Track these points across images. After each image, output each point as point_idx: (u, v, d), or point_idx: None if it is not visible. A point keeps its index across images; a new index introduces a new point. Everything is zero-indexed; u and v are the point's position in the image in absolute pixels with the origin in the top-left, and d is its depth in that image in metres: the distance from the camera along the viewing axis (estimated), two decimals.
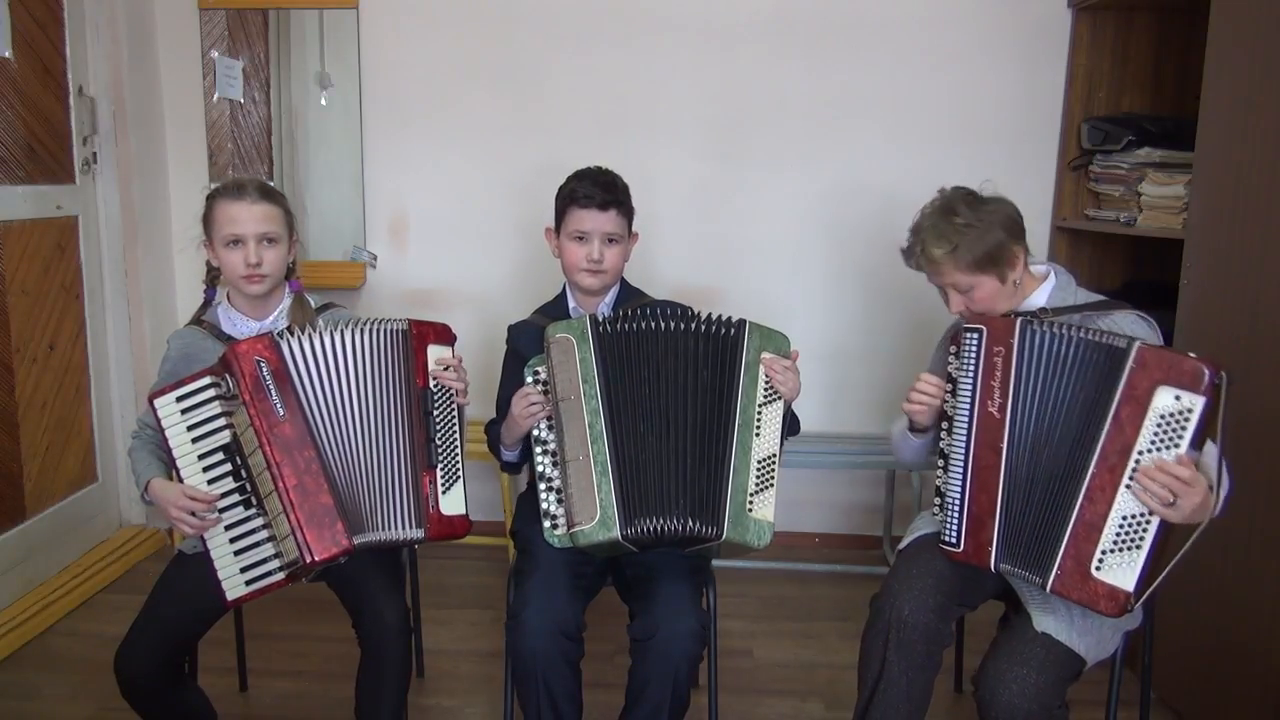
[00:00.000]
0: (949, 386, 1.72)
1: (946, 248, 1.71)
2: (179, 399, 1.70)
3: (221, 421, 1.70)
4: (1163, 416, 1.48)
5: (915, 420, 1.81)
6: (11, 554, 2.63)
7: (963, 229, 1.70)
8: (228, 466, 1.70)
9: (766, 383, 1.76)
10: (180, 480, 1.70)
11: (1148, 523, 1.50)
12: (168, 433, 1.70)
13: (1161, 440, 1.48)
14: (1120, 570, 1.51)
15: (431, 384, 1.76)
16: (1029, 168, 3.00)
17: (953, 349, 1.72)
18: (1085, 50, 2.90)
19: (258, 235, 1.81)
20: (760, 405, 1.74)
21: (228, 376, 1.68)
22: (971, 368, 1.67)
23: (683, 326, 1.76)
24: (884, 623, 1.69)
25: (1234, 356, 2.03)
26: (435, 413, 1.75)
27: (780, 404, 1.77)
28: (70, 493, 2.89)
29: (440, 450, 1.74)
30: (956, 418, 1.69)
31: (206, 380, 1.70)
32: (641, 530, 1.68)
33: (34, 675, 2.40)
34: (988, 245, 1.70)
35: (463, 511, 1.76)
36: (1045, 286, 1.79)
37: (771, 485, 1.73)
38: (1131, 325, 1.70)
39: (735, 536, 1.69)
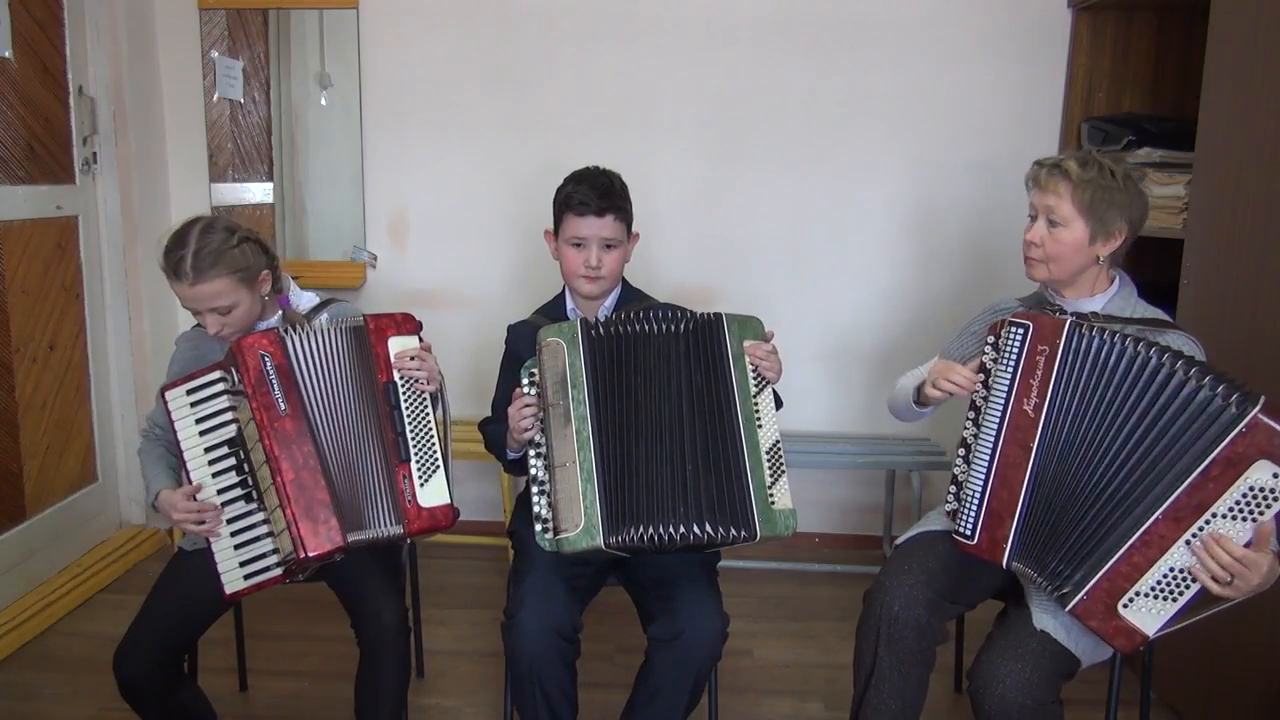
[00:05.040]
0: (981, 377, 1.70)
1: (1084, 173, 1.70)
2: (189, 392, 1.72)
3: (229, 415, 1.71)
4: (1252, 488, 1.42)
5: (932, 401, 1.80)
6: (11, 554, 2.63)
7: (1107, 173, 1.70)
8: (232, 460, 1.71)
9: (754, 371, 1.74)
10: (187, 473, 1.71)
11: (1193, 580, 1.47)
12: (177, 425, 1.71)
13: (1241, 510, 1.43)
14: (1147, 615, 1.49)
15: (396, 376, 1.75)
16: (1029, 167, 3.00)
17: (991, 339, 1.70)
18: (1085, 50, 2.90)
19: (211, 309, 1.77)
20: (754, 396, 1.72)
21: (233, 370, 1.69)
22: (1011, 363, 1.64)
23: (670, 329, 1.73)
24: (875, 619, 1.69)
25: (1234, 356, 2.03)
26: (404, 406, 1.74)
27: (770, 389, 1.75)
28: (70, 493, 2.89)
29: (413, 443, 1.73)
30: (987, 411, 1.66)
31: (216, 374, 1.72)
32: (629, 538, 1.64)
33: (34, 675, 2.40)
34: (1110, 202, 1.69)
35: (446, 501, 1.73)
36: (1108, 292, 1.78)
37: (784, 471, 1.71)
38: (1179, 346, 1.64)
39: (768, 533, 1.67)
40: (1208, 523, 1.45)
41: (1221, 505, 1.44)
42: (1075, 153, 1.77)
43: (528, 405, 1.73)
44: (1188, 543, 1.46)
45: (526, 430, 1.74)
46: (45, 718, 2.23)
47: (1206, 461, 1.45)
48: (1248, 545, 1.43)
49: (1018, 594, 1.72)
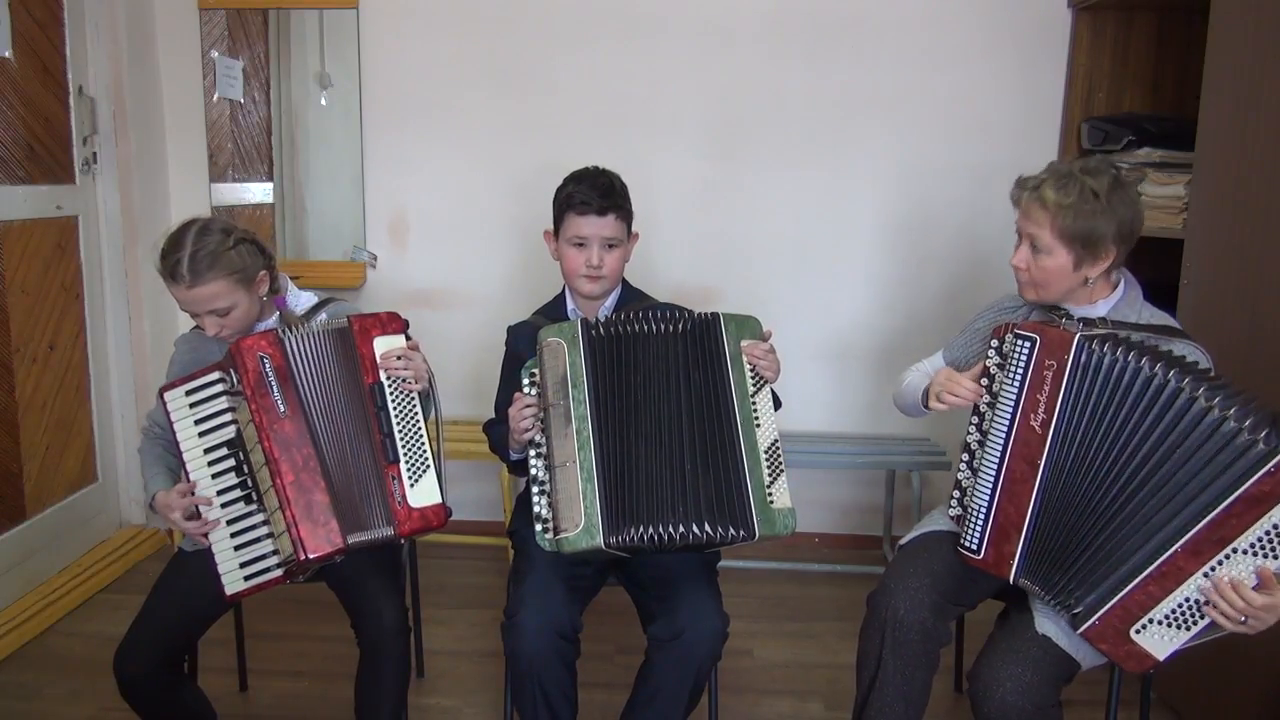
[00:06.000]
0: (985, 383, 1.67)
1: (1061, 199, 1.61)
2: (188, 393, 1.72)
3: (228, 416, 1.71)
4: (1276, 526, 1.40)
5: (937, 409, 1.78)
6: (11, 554, 2.63)
7: (1089, 194, 1.61)
8: (231, 462, 1.71)
9: (751, 370, 1.73)
10: (186, 474, 1.71)
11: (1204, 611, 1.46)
12: (176, 426, 1.71)
13: (1262, 547, 1.41)
14: (1159, 641, 1.48)
15: (383, 377, 1.74)
16: (1029, 167, 2.95)
17: (995, 343, 1.67)
18: (1085, 50, 2.90)
19: (209, 311, 1.77)
20: (752, 396, 1.72)
21: (232, 371, 1.69)
22: (1017, 377, 1.60)
23: (670, 329, 1.73)
24: (880, 621, 1.69)
25: (1234, 357, 2.03)
26: (391, 406, 1.73)
27: (768, 388, 1.75)
28: (70, 493, 2.89)
29: (402, 444, 1.73)
30: (994, 422, 1.63)
31: (215, 375, 1.72)
32: (629, 538, 1.64)
33: (34, 675, 2.40)
34: (1092, 227, 1.61)
35: (437, 501, 1.72)
36: (1111, 298, 1.73)
37: (783, 470, 1.71)
38: (1186, 355, 1.62)
39: (767, 532, 1.66)
40: (1228, 557, 1.43)
41: (1243, 541, 1.42)
42: (1057, 170, 1.67)
43: (528, 406, 1.74)
44: (1205, 575, 1.44)
45: (527, 431, 1.74)
46: (45, 718, 2.23)
47: (1231, 498, 1.42)
48: (1256, 588, 1.41)
49: (1019, 595, 1.71)
